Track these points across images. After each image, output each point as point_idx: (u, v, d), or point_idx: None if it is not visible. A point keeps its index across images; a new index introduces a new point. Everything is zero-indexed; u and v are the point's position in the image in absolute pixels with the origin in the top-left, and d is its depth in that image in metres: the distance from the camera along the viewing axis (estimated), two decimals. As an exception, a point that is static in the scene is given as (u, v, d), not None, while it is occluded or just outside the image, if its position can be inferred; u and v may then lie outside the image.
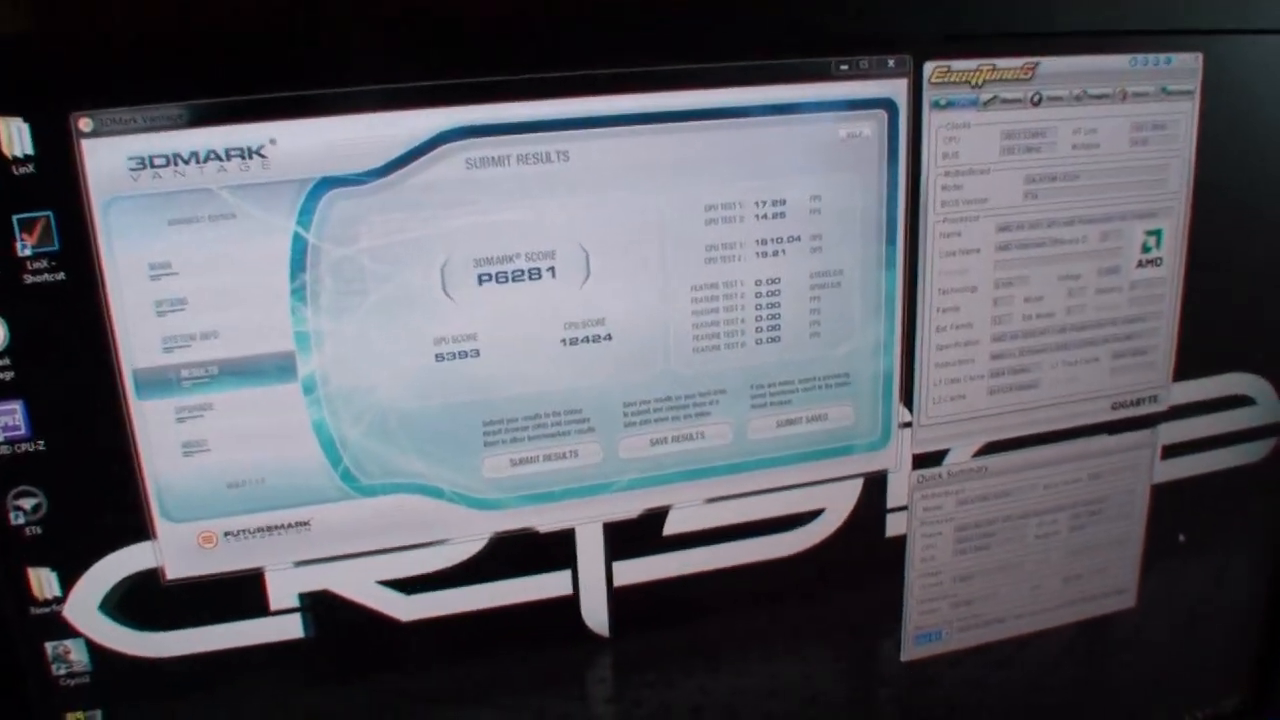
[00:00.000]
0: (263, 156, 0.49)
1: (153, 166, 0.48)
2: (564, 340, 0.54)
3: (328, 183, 0.50)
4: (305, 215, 0.50)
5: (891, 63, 0.55)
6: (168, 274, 0.49)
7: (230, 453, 0.52)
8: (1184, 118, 0.60)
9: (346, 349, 0.52)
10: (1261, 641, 0.75)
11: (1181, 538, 0.70)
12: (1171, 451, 0.68)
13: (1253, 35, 0.61)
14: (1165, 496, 0.68)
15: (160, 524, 0.52)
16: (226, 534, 0.53)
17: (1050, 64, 0.57)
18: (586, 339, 0.54)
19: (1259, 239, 0.65)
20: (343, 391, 0.52)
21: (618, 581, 0.59)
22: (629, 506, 0.58)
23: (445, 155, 0.50)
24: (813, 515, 0.61)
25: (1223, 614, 0.73)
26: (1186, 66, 0.60)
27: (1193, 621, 0.73)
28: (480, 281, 0.52)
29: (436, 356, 0.53)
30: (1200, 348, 0.66)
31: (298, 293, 0.50)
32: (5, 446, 0.50)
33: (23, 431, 0.50)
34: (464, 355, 0.53)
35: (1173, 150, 0.61)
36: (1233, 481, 0.70)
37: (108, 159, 0.47)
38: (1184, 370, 0.66)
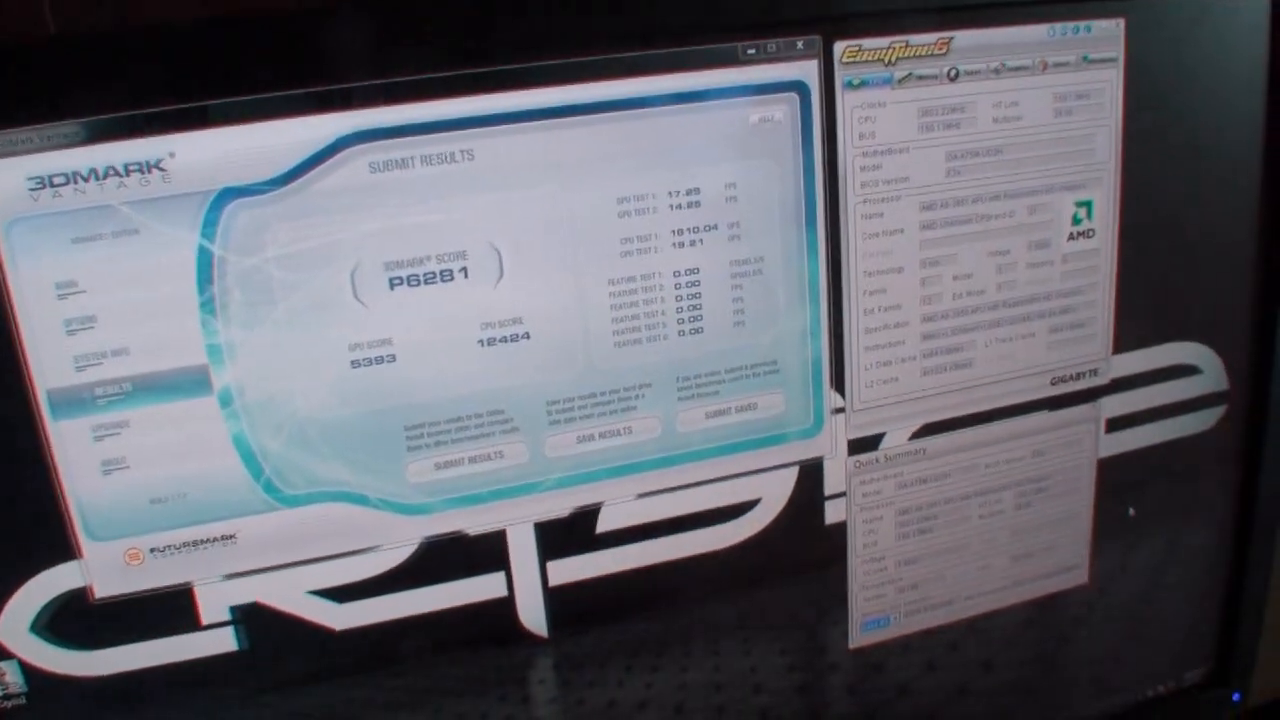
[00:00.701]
0: (162, 170, 0.49)
1: (52, 185, 0.48)
2: (481, 341, 0.54)
3: (230, 193, 0.49)
4: (209, 227, 0.50)
5: (800, 44, 0.54)
6: (75, 293, 0.49)
7: (150, 469, 0.52)
8: (1108, 86, 0.60)
9: (261, 359, 0.52)
10: (1222, 613, 0.75)
11: (1132, 511, 0.69)
12: (1116, 424, 0.67)
13: (1177, -2, 0.60)
14: (1112, 470, 0.68)
15: (85, 543, 0.52)
16: (152, 550, 0.53)
17: (965, 38, 0.57)
18: (504, 339, 0.54)
19: (1193, 204, 0.64)
20: (260, 402, 0.52)
21: (553, 581, 0.59)
22: (559, 505, 0.58)
23: (347, 160, 0.50)
24: (748, 506, 0.61)
25: (1181, 587, 0.73)
26: (1108, 33, 0.59)
27: (1150, 595, 0.72)
28: (392, 285, 0.52)
29: (352, 363, 0.53)
30: (1140, 318, 0.65)
31: (207, 305, 0.50)
32: (-78, 470, 0.50)
33: (-63, 457, 0.50)
34: (380, 360, 0.53)
35: (1098, 120, 0.60)
36: (1182, 452, 0.69)
37: (6, 180, 0.47)
38: (1125, 342, 0.65)
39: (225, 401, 0.52)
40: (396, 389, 0.54)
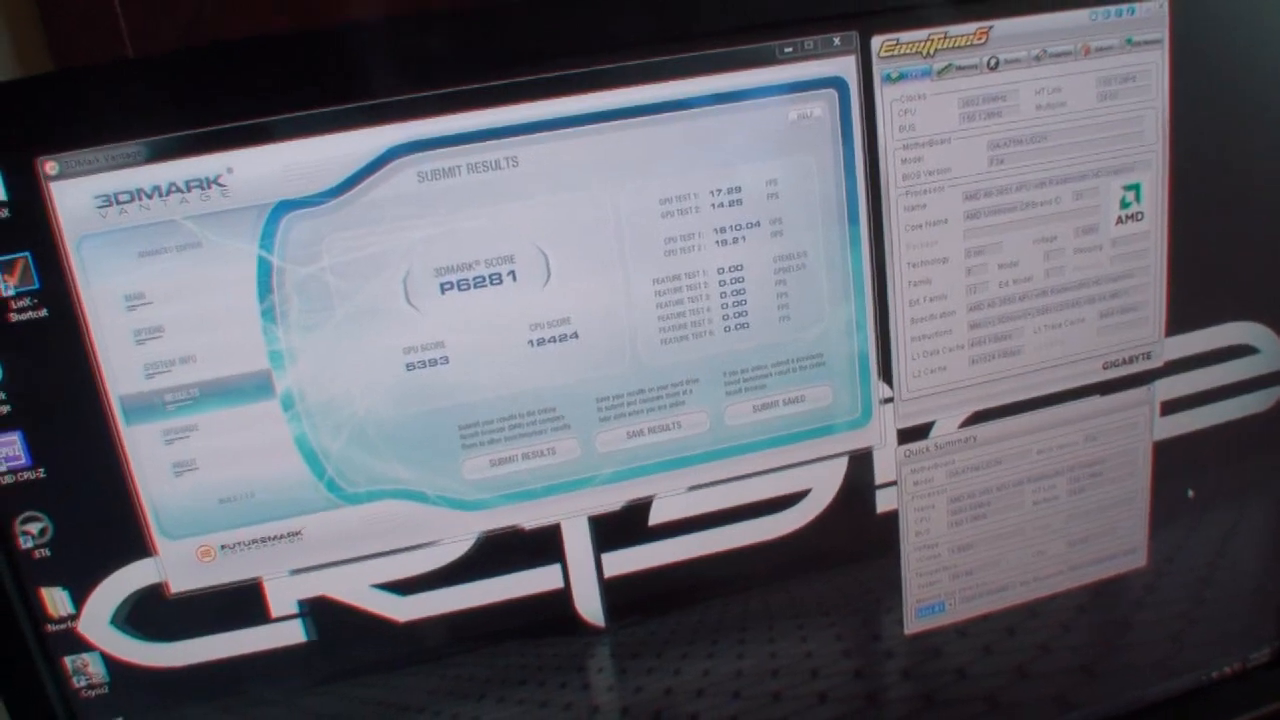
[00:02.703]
0: (221, 185, 0.52)
1: (118, 203, 0.51)
2: (531, 341, 0.57)
3: (285, 206, 0.53)
4: (267, 239, 0.53)
5: (837, 40, 0.56)
6: (143, 304, 0.53)
7: (219, 470, 0.56)
8: (1154, 68, 0.61)
9: (319, 364, 0.55)
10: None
11: (1191, 493, 0.70)
12: (1172, 407, 0.68)
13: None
14: (1169, 453, 0.69)
15: (160, 541, 0.56)
16: (223, 547, 0.57)
17: (1004, 26, 0.58)
18: (553, 339, 0.57)
19: (1245, 182, 0.65)
20: (320, 405, 0.55)
21: (608, 573, 0.61)
22: (611, 499, 0.60)
23: (396, 170, 0.53)
24: (800, 496, 0.63)
25: (1243, 567, 0.74)
26: (1152, 15, 0.60)
27: (1211, 576, 0.73)
28: (443, 290, 0.55)
29: (407, 366, 0.56)
30: (1193, 299, 0.66)
31: (267, 313, 0.54)
32: (8, 475, 0.55)
33: (23, 461, 0.54)
34: (434, 363, 0.56)
35: (1145, 102, 0.61)
36: (1241, 433, 0.70)
37: (76, 199, 0.51)
38: (1178, 324, 0.66)
39: (287, 405, 0.55)
40: (450, 390, 0.57)
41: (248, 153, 0.52)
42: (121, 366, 0.53)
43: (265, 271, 0.53)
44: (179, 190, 0.52)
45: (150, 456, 0.55)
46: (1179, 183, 0.63)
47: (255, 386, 0.55)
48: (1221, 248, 0.66)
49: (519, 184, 0.54)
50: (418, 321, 0.55)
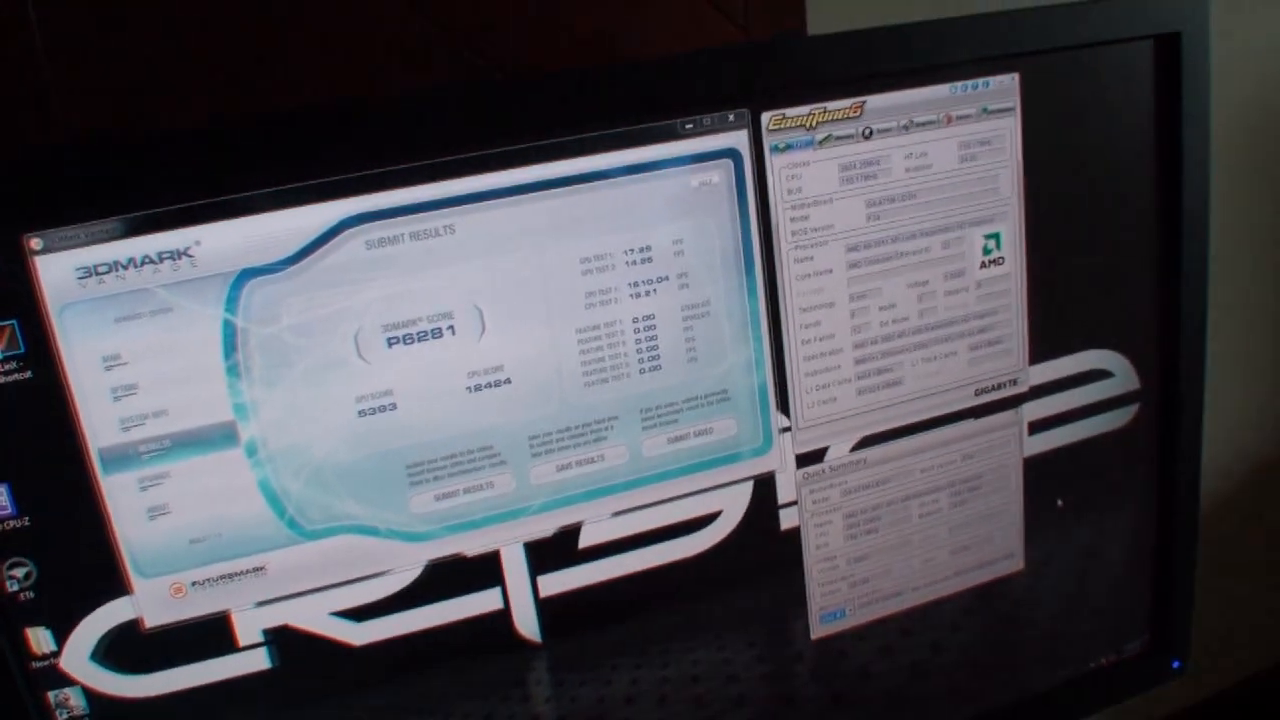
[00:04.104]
0: (190, 256, 0.59)
1: (97, 274, 0.58)
2: (469, 388, 0.65)
3: (248, 273, 0.60)
4: (231, 303, 0.60)
5: (731, 117, 0.65)
6: (119, 364, 0.60)
7: (189, 513, 0.62)
8: (1007, 132, 0.71)
9: (280, 414, 0.62)
10: (1154, 587, 0.85)
11: (1060, 503, 0.80)
12: (1038, 427, 0.78)
13: (1066, 51, 0.71)
14: (1038, 468, 0.79)
15: (135, 580, 0.63)
16: (194, 584, 0.64)
17: (876, 101, 0.68)
18: (489, 384, 0.65)
19: (1092, 226, 0.76)
20: (281, 451, 0.63)
21: (543, 593, 0.69)
22: (544, 526, 0.68)
23: (347, 240, 0.61)
24: (712, 518, 0.72)
25: (1112, 567, 0.84)
26: (1004, 87, 0.70)
27: (1083, 576, 0.83)
28: (390, 345, 0.63)
29: (359, 413, 0.63)
30: (1052, 331, 0.76)
31: (232, 370, 0.61)
32: (-4, 525, 0.61)
33: (9, 510, 0.61)
34: (383, 410, 0.64)
35: (1000, 161, 0.71)
36: (1102, 447, 0.80)
37: (58, 271, 0.58)
38: (1040, 353, 0.76)
39: (251, 452, 0.62)
40: (398, 433, 0.64)
41: (214, 227, 0.59)
42: (100, 421, 0.60)
43: (230, 332, 0.61)
44: (152, 261, 0.59)
45: (126, 502, 0.61)
46: (1033, 230, 0.73)
47: (222, 436, 0.62)
48: (1074, 285, 0.76)
49: (456, 249, 0.63)
50: (368, 373, 0.63)
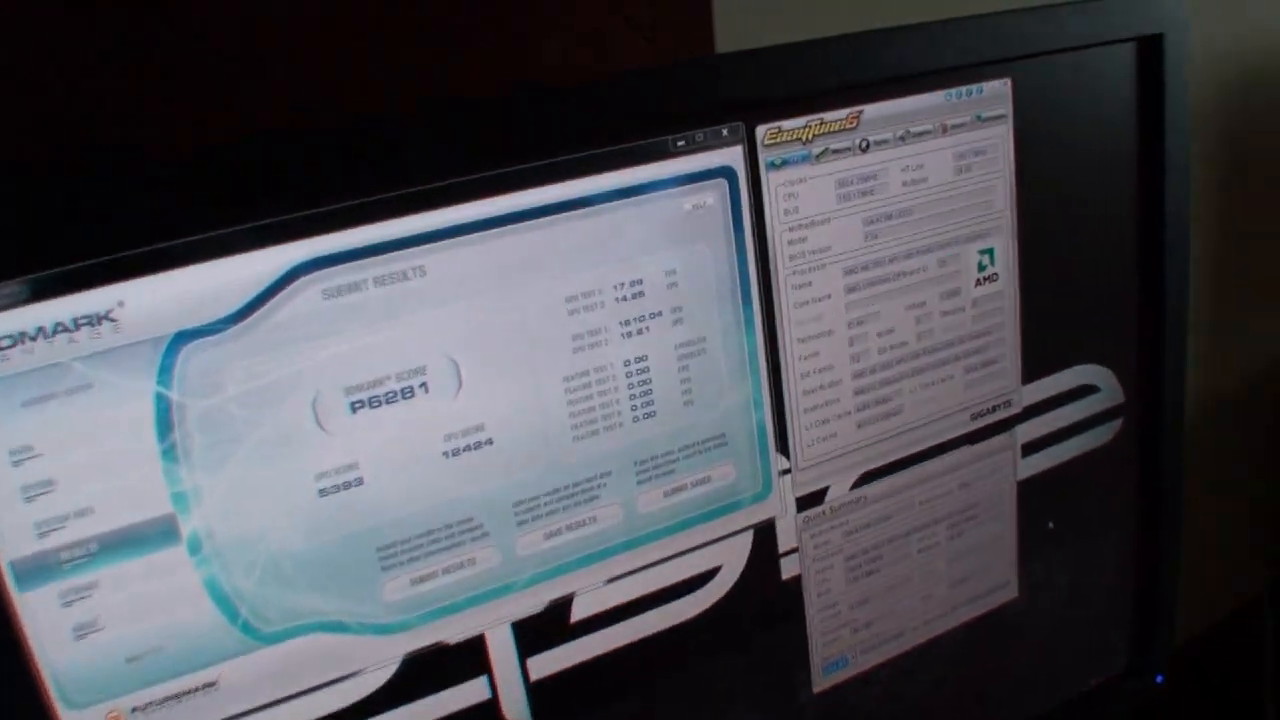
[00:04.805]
0: (112, 320, 0.50)
1: (-1, 350, 0.48)
2: (446, 453, 0.57)
3: (183, 336, 0.51)
4: (165, 373, 0.51)
5: (725, 131, 0.59)
6: (30, 458, 0.49)
7: (124, 627, 0.53)
8: (1000, 140, 0.67)
9: (227, 501, 0.53)
10: (1137, 605, 0.84)
11: (1051, 524, 0.77)
12: (1030, 448, 0.75)
13: (1053, 55, 0.68)
14: (1031, 490, 0.76)
15: (64, 713, 0.52)
16: (134, 710, 0.54)
17: (873, 110, 0.63)
18: (468, 447, 0.57)
19: (1082, 238, 0.73)
20: (230, 544, 0.54)
21: (534, 676, 0.62)
22: (533, 602, 0.61)
23: (300, 290, 0.52)
24: (711, 574, 0.66)
25: (1100, 587, 0.82)
26: (997, 93, 0.66)
27: (1074, 598, 0.81)
28: (354, 409, 0.54)
29: (320, 492, 0.55)
30: (1043, 349, 0.73)
31: (168, 453, 0.52)
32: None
33: (-107, 644, 0.50)
34: (348, 486, 0.55)
35: (994, 172, 0.68)
36: (1089, 464, 0.78)
37: (-52, 349, 0.48)
38: (1031, 372, 0.73)
39: (194, 548, 0.53)
40: (366, 511, 0.56)
41: (140, 283, 0.49)
42: (9, 528, 0.50)
43: (164, 409, 0.51)
44: (66, 329, 0.49)
45: (47, 622, 0.51)
46: (1025, 244, 0.70)
47: (159, 533, 0.52)
48: (1063, 300, 0.73)
49: (428, 293, 0.55)
50: (329, 444, 0.54)
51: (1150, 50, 0.71)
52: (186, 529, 0.53)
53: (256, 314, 0.52)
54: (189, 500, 0.52)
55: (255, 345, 0.52)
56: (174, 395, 0.51)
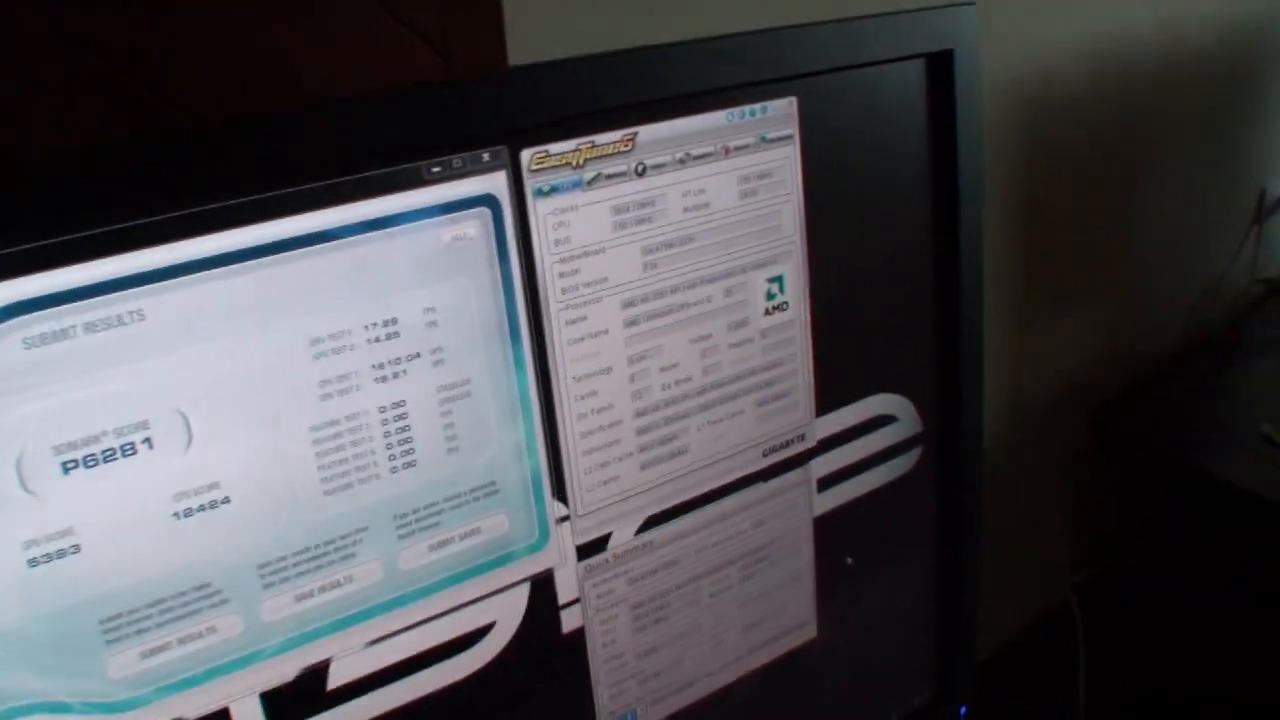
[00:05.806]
0: None
1: None
2: (176, 514, 0.52)
3: None
4: None
5: (487, 156, 0.56)
6: None
7: None
8: (788, 162, 0.65)
9: (-83, 577, 0.48)
10: (939, 637, 0.83)
11: (850, 561, 0.76)
12: (826, 483, 0.73)
13: (841, 72, 0.66)
14: (827, 526, 0.74)
15: None
16: None
17: (649, 132, 0.60)
18: (202, 507, 0.52)
19: (875, 263, 0.71)
20: (-79, 626, 0.48)
21: (288, 750, 0.58)
22: (284, 670, 0.56)
23: (-3, 339, 0.47)
24: (483, 631, 0.62)
25: (901, 620, 0.81)
26: (782, 112, 0.64)
27: (876, 633, 0.79)
28: (66, 470, 0.49)
29: (30, 562, 0.49)
30: (837, 379, 0.71)
31: None
32: None
33: None
34: (62, 554, 0.50)
35: (781, 196, 0.65)
36: (888, 496, 0.76)
37: None
38: (826, 404, 0.71)
39: (-123, 633, 0.47)
40: (85, 581, 0.51)
41: None
42: None
43: None
44: None
45: None
46: (816, 270, 0.68)
47: None
48: (857, 327, 0.71)
49: (147, 340, 0.50)
50: (38, 509, 0.49)
51: (940, 66, 0.69)
52: None
53: (-55, 368, 0.46)
54: None
55: (-56, 403, 0.47)
56: None
